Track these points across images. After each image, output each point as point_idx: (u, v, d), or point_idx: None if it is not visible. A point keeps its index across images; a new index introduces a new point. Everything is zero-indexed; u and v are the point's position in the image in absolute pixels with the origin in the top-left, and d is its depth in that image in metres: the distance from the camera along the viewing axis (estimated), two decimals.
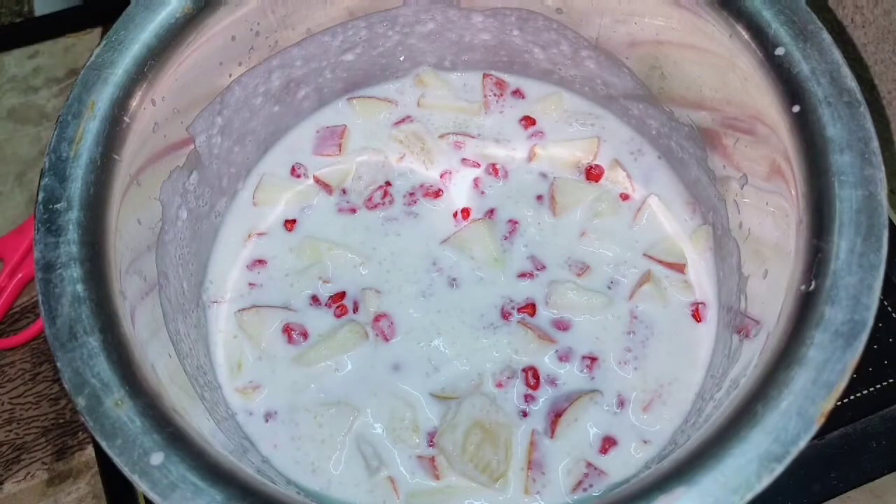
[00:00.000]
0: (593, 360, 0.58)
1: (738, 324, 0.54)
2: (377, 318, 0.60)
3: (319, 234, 0.64)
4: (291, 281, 0.62)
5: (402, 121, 0.69)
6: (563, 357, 0.58)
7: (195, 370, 0.54)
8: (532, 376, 0.57)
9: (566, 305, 0.60)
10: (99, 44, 0.51)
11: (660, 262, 0.61)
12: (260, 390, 0.58)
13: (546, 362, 0.58)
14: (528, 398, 0.57)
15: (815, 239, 0.44)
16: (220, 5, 0.53)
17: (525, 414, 0.56)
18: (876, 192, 0.44)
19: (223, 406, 0.56)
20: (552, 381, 0.57)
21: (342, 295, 0.61)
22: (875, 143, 0.45)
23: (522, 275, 0.61)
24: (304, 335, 0.60)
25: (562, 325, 0.59)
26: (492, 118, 0.69)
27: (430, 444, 0.55)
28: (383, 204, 0.65)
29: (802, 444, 0.39)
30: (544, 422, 0.56)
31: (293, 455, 0.56)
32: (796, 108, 0.47)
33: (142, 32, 0.51)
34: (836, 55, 0.48)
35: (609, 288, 0.61)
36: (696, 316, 0.59)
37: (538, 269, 0.62)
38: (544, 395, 0.57)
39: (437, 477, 0.54)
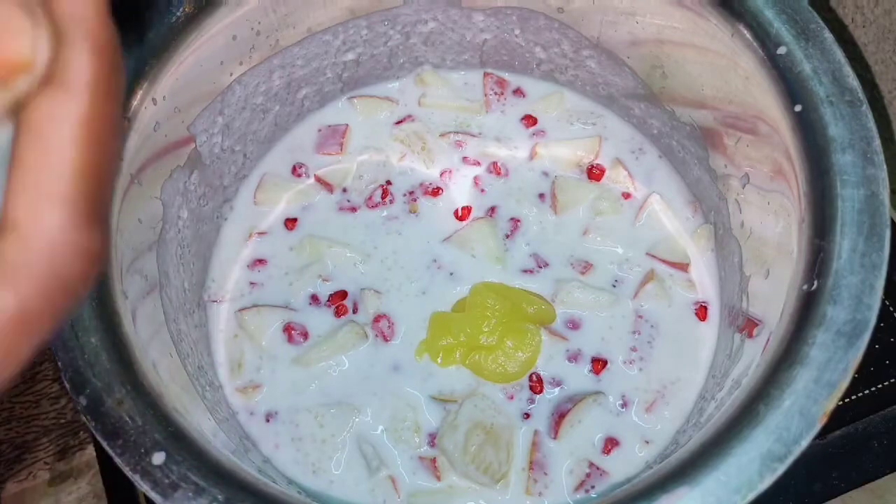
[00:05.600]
0: (603, 362, 0.58)
1: (741, 323, 0.54)
2: (377, 319, 0.60)
3: (320, 232, 0.64)
4: (291, 280, 0.62)
5: (403, 120, 0.68)
6: (573, 358, 0.58)
7: (196, 370, 0.54)
8: (535, 379, 0.57)
9: (573, 303, 0.60)
10: None
11: (663, 260, 0.61)
12: (260, 390, 0.58)
13: (554, 362, 0.58)
14: (530, 400, 0.57)
15: (818, 238, 0.44)
16: (220, 4, 0.53)
17: (527, 416, 0.56)
18: (878, 191, 0.44)
19: (224, 406, 0.56)
20: (558, 383, 0.57)
21: (342, 295, 0.61)
22: (877, 143, 0.45)
23: (525, 271, 0.61)
24: (305, 335, 0.60)
25: (572, 324, 0.59)
26: (493, 117, 0.69)
27: (431, 444, 0.55)
28: (384, 203, 0.65)
29: (804, 443, 0.39)
30: (547, 423, 0.56)
31: (294, 455, 0.55)
32: (798, 108, 0.47)
33: (142, 31, 0.51)
34: (838, 54, 0.48)
35: (614, 286, 0.61)
36: (700, 314, 0.59)
37: (540, 267, 0.62)
38: (548, 397, 0.57)
39: (438, 477, 0.54)
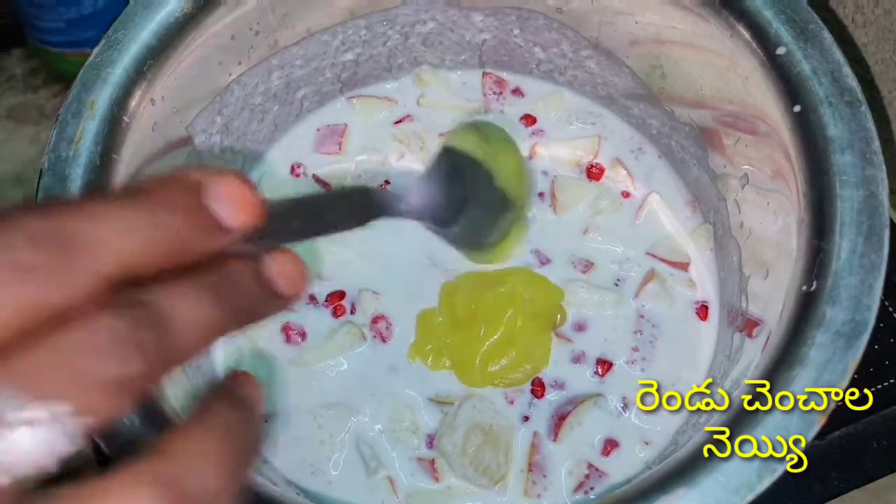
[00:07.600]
0: (608, 364, 0.57)
1: (740, 323, 0.53)
2: (375, 320, 0.59)
3: None
4: None
5: (402, 120, 0.68)
6: (577, 359, 0.58)
7: (194, 370, 0.54)
8: (537, 384, 0.57)
9: (580, 303, 0.59)
10: (98, 43, 0.51)
11: (663, 260, 0.61)
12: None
13: (559, 365, 0.58)
14: (531, 404, 0.56)
15: (817, 239, 0.44)
16: (219, 5, 0.53)
17: (526, 418, 0.56)
18: (877, 192, 0.44)
19: None
20: (560, 386, 0.57)
21: (340, 295, 0.61)
22: (876, 143, 0.45)
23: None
24: (302, 335, 0.59)
25: (578, 326, 0.59)
26: (492, 117, 0.68)
27: (430, 445, 0.55)
28: None
29: (804, 444, 0.39)
30: (546, 425, 0.56)
31: (292, 456, 0.55)
32: (797, 108, 0.47)
33: (141, 32, 0.51)
34: (838, 55, 0.47)
35: (616, 285, 0.60)
36: (701, 314, 0.59)
37: (543, 263, 0.61)
38: (549, 399, 0.57)
39: (436, 479, 0.54)
